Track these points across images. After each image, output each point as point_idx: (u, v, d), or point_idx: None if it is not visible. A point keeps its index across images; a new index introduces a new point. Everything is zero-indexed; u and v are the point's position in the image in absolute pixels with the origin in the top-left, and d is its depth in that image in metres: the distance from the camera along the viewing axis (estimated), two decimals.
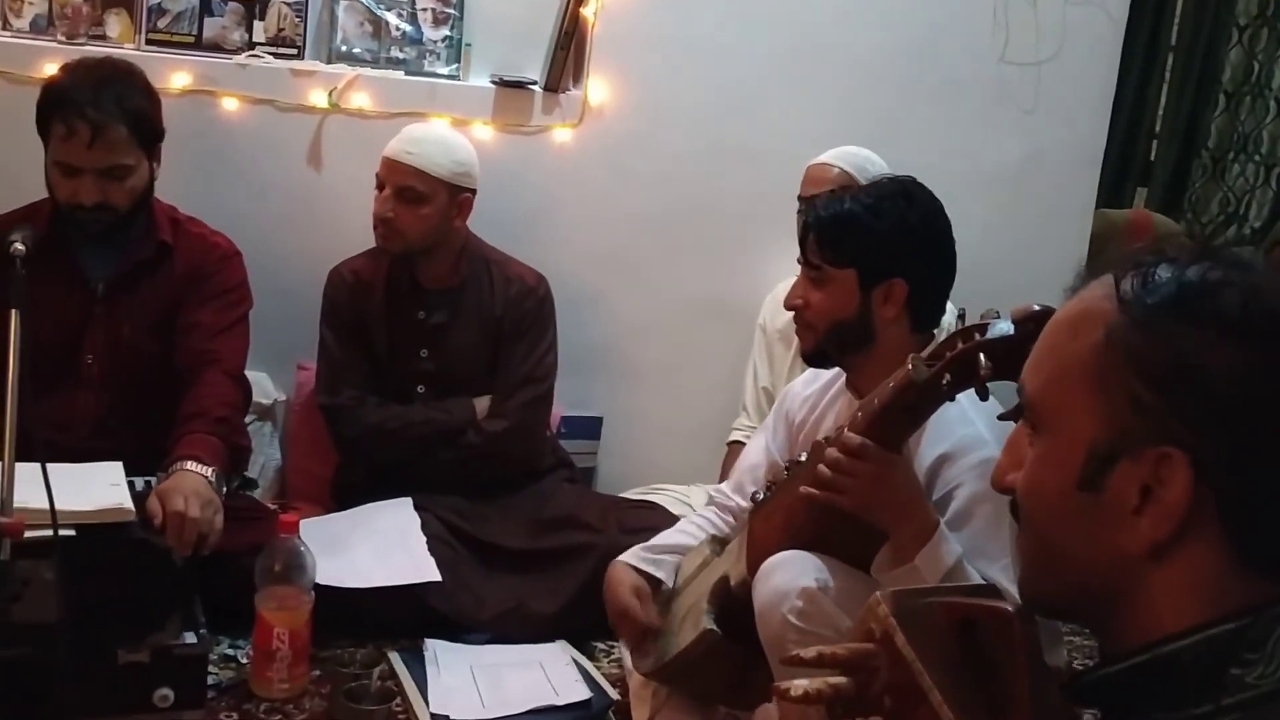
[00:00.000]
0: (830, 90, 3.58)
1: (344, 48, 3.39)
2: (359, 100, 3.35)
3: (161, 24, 3.29)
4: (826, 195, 2.24)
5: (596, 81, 3.47)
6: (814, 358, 2.16)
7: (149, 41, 3.28)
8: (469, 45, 3.45)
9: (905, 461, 1.90)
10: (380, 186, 2.95)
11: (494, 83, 3.43)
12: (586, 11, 3.42)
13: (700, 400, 3.58)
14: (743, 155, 3.55)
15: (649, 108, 3.51)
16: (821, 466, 1.87)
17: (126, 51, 3.10)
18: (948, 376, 1.72)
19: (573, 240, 3.52)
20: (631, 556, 2.30)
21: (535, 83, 3.46)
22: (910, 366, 1.76)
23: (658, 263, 3.59)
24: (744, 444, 3.08)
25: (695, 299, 3.60)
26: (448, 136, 3.07)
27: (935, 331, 2.09)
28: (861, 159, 3.04)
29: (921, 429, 1.91)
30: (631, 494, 3.25)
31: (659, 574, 2.27)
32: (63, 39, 3.21)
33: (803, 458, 2.03)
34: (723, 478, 2.97)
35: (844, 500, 1.86)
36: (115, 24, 3.27)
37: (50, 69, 2.72)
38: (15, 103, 2.95)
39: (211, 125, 3.28)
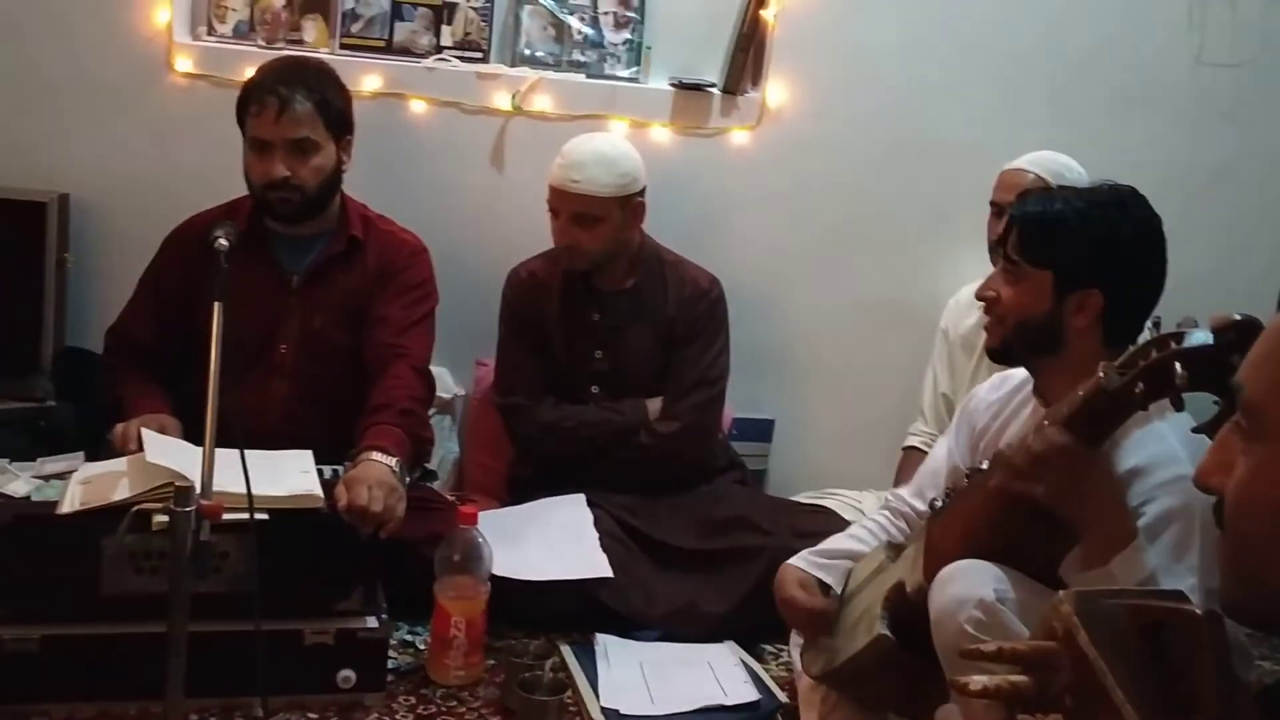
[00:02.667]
0: (1015, 92, 3.50)
1: (527, 51, 3.46)
2: (541, 103, 3.41)
3: (355, 29, 3.41)
4: (1040, 191, 2.18)
5: (775, 84, 3.46)
6: (999, 354, 2.11)
7: (343, 46, 3.40)
8: (649, 48, 3.48)
9: (1107, 459, 1.84)
10: (554, 214, 2.99)
11: (673, 85, 3.45)
12: (766, 14, 3.41)
13: (874, 405, 3.55)
14: (924, 158, 3.50)
15: (828, 110, 3.49)
16: (1017, 458, 1.82)
17: (321, 55, 3.22)
18: (1141, 385, 1.66)
19: (748, 242, 3.52)
20: (800, 560, 2.29)
21: (714, 85, 3.47)
22: (1102, 374, 1.71)
23: (834, 265, 3.56)
24: (920, 450, 3.05)
25: (871, 302, 3.56)
26: (605, 151, 3.01)
27: None
28: (1059, 165, 2.96)
29: (1113, 441, 1.85)
30: (803, 498, 3.23)
31: (828, 578, 2.25)
32: (262, 43, 3.35)
33: (984, 465, 1.98)
34: (897, 483, 2.93)
35: (1041, 492, 1.80)
36: (311, 29, 3.40)
37: (249, 72, 2.84)
38: (217, 105, 3.09)
39: (400, 127, 3.38)
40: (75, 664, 2.17)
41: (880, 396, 3.54)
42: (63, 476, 2.30)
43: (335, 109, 2.73)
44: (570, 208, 2.94)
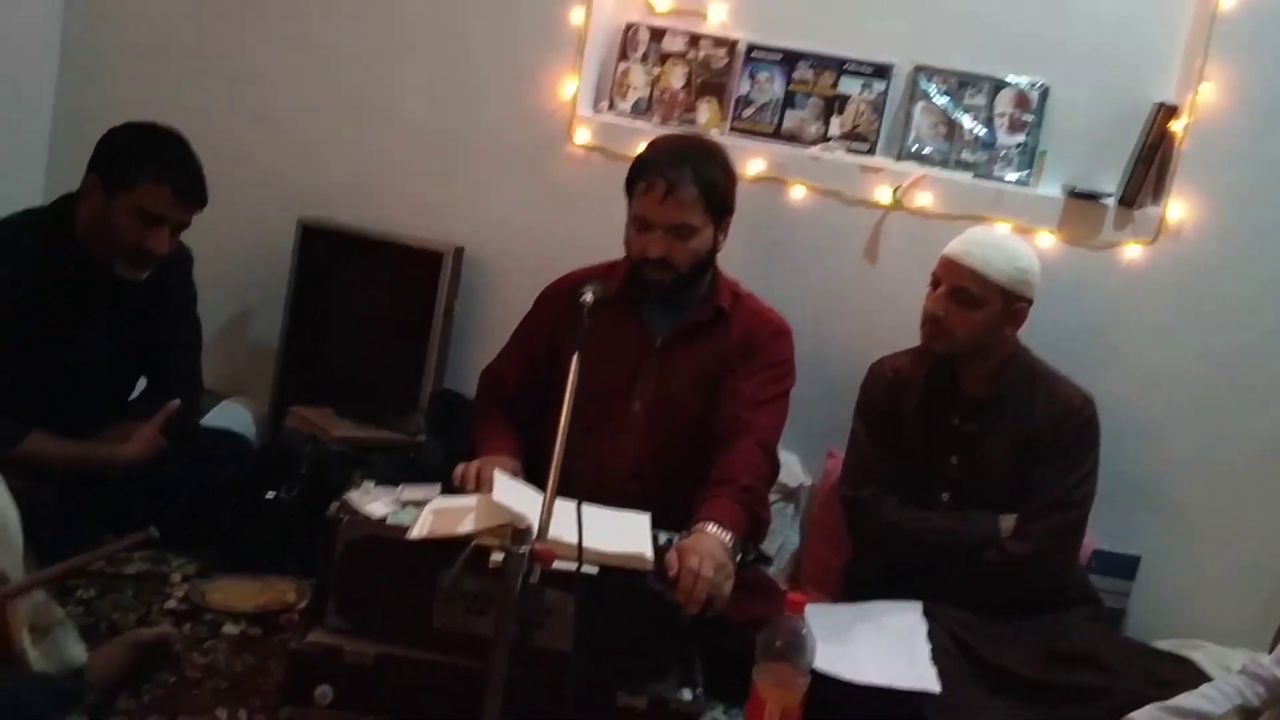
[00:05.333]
0: None
1: (915, 147, 3.42)
2: (922, 199, 3.35)
3: (746, 114, 3.48)
4: None
5: (1178, 199, 3.26)
6: None
7: (733, 129, 3.47)
8: (1044, 152, 3.36)
9: None
10: (935, 284, 2.91)
11: (1066, 193, 3.31)
12: (1175, 126, 3.22)
13: (1258, 554, 3.23)
14: None
15: (1235, 229, 3.25)
16: None
17: (711, 136, 3.29)
18: None
19: (1130, 364, 3.31)
20: (1146, 713, 2.15)
21: (1109, 196, 3.30)
22: None
23: (1226, 398, 3.29)
24: None
25: (1267, 442, 3.24)
26: (1013, 244, 2.95)
27: None
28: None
29: None
30: (1163, 645, 2.96)
31: None
32: (657, 121, 3.47)
33: None
34: (1275, 646, 2.63)
35: None
36: (705, 110, 3.50)
37: (641, 147, 2.92)
38: (607, 176, 3.21)
39: (779, 211, 3.41)
40: (403, 685, 2.25)
41: (1266, 545, 3.22)
42: (419, 504, 2.41)
43: (719, 192, 2.77)
44: (954, 279, 2.86)
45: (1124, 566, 3.31)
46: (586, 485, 2.11)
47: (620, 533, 2.38)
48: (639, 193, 2.77)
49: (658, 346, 2.85)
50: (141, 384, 3.10)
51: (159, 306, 2.97)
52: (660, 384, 2.83)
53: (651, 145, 2.86)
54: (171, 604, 2.66)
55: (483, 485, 2.52)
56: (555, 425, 2.06)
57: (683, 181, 2.71)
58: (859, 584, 3.01)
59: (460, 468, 2.62)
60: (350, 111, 3.66)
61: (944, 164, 3.40)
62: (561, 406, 2.13)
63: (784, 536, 3.37)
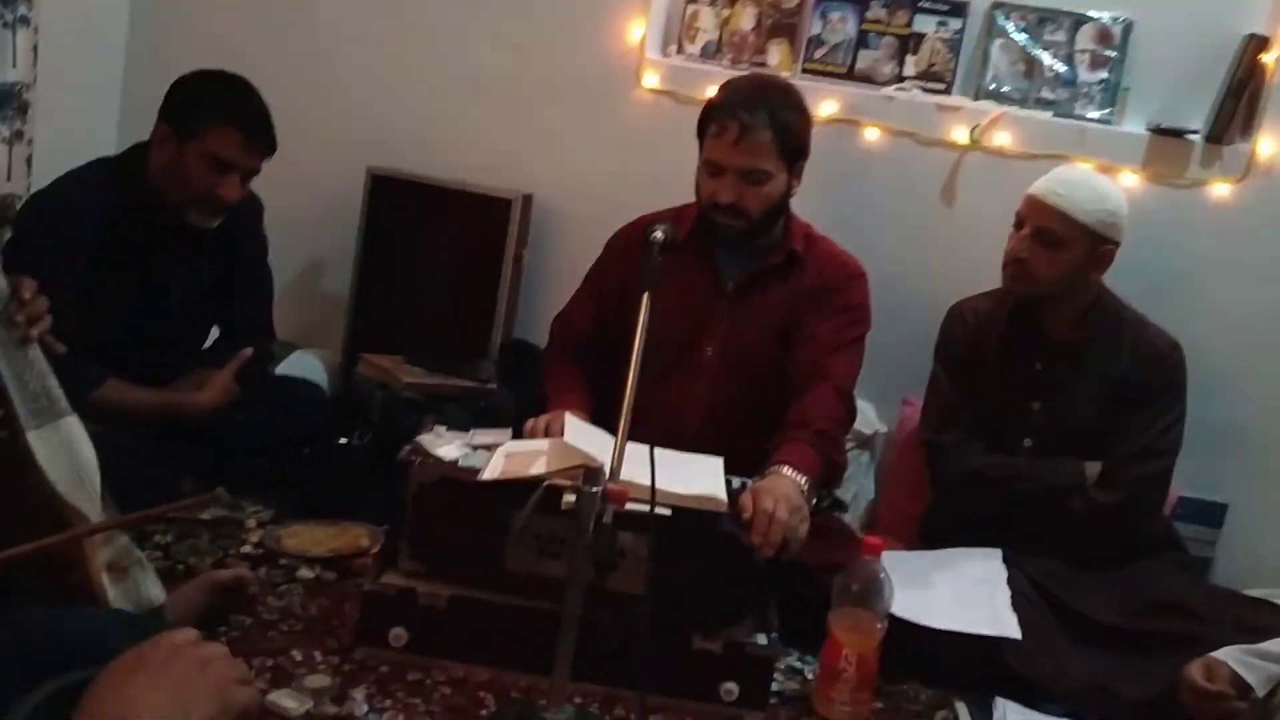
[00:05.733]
0: None
1: (993, 85, 3.33)
2: (1001, 139, 3.26)
3: (818, 54, 3.41)
4: None
5: (1268, 135, 3.15)
6: None
7: (804, 71, 3.40)
8: (1126, 89, 3.26)
9: None
10: (1019, 225, 2.83)
11: (1150, 130, 3.21)
12: (1267, 58, 3.10)
13: None
14: None
15: None
16: None
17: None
18: None
19: (1218, 308, 3.21)
20: (1226, 654, 2.12)
21: (1196, 132, 3.19)
22: None
23: None
24: None
25: None
26: (1100, 183, 2.86)
27: None
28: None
29: None
30: (1253, 593, 2.87)
31: (1249, 677, 2.07)
32: (727, 64, 3.41)
33: None
34: None
35: None
36: (776, 52, 3.43)
37: (711, 90, 2.87)
38: (677, 120, 3.18)
39: (852, 153, 3.35)
40: (476, 628, 2.24)
41: None
42: (490, 448, 2.40)
43: (793, 135, 2.70)
44: (1039, 219, 2.78)
45: (1211, 514, 3.23)
46: (658, 433, 2.07)
47: (694, 475, 2.35)
48: (710, 135, 2.71)
49: (729, 292, 2.80)
50: (215, 334, 3.12)
51: (231, 255, 2.98)
52: (732, 330, 2.79)
53: (724, 87, 2.79)
54: (247, 549, 2.67)
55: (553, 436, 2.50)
56: (626, 372, 2.03)
57: (756, 125, 2.64)
58: (937, 532, 2.96)
59: (530, 422, 2.61)
60: (418, 60, 3.64)
61: (1023, 102, 3.31)
62: (632, 352, 2.11)
63: (859, 485, 3.32)
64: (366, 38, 3.66)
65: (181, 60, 2.88)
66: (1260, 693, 2.02)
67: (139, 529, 2.49)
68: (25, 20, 3.19)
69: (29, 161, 3.25)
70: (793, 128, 2.70)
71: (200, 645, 1.02)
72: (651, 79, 3.44)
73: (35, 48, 3.24)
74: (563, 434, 2.45)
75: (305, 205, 3.63)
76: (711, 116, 2.71)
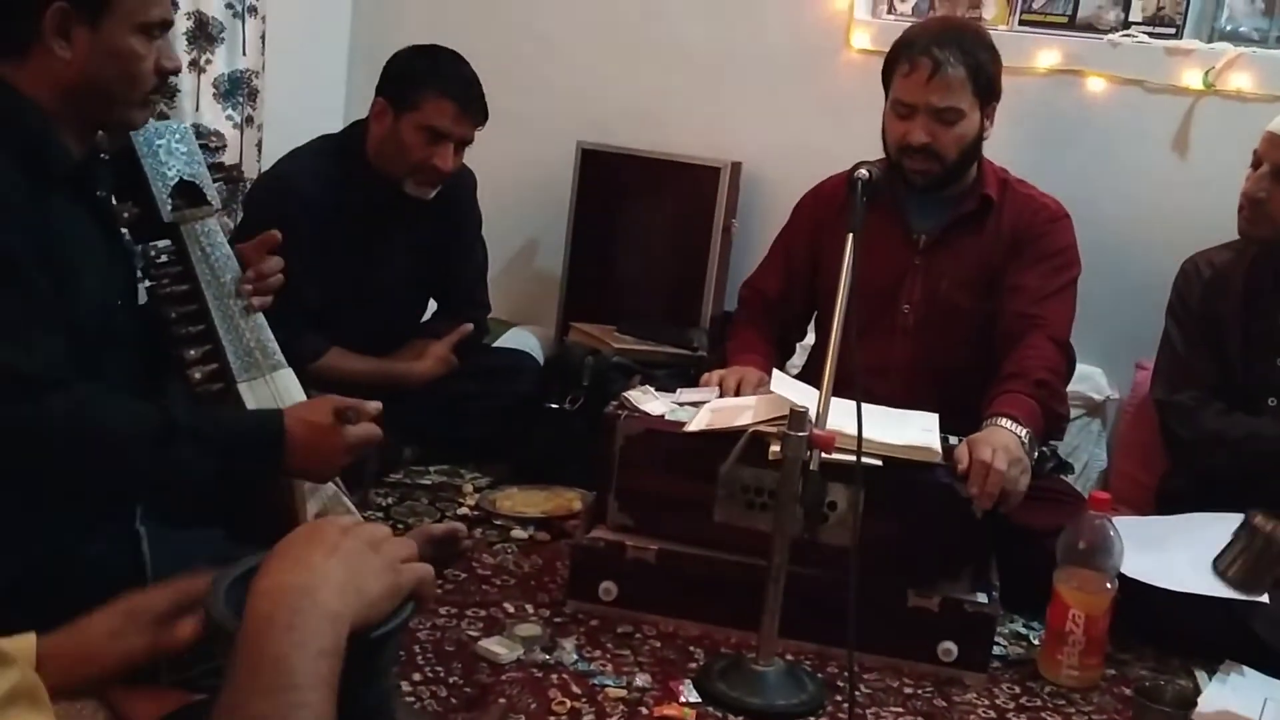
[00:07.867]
0: None
1: (1229, 26, 3.13)
2: (1239, 81, 3.06)
3: (1036, 5, 3.28)
4: None
5: None
6: None
7: (1022, 21, 3.27)
8: None
9: None
10: (1256, 164, 2.63)
11: None
12: None
13: None
14: None
15: None
16: None
17: (999, 31, 3.11)
18: None
19: None
20: None
21: None
22: None
23: None
24: None
25: None
26: None
27: None
28: None
29: None
30: None
31: None
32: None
33: None
34: None
35: None
36: (991, 5, 3.31)
37: None
38: None
39: (1074, 104, 3.20)
40: (685, 582, 2.22)
41: None
42: (696, 405, 2.38)
43: (986, 74, 2.59)
44: (1278, 157, 2.58)
45: None
46: (861, 392, 2.00)
47: (906, 427, 2.27)
48: (899, 75, 2.60)
49: (922, 247, 2.69)
50: (433, 307, 3.20)
51: (448, 228, 3.04)
52: (928, 285, 2.68)
53: (910, 29, 2.70)
54: (464, 510, 2.73)
55: (741, 388, 2.47)
56: (822, 336, 1.98)
57: (949, 61, 2.54)
58: (1175, 499, 2.77)
59: (705, 375, 2.58)
60: (626, 36, 3.66)
61: (1263, 43, 3.09)
62: (832, 314, 2.06)
63: (1089, 454, 3.16)
64: (578, 15, 3.70)
65: (402, 42, 2.95)
66: None
67: (363, 495, 2.57)
68: (253, 10, 3.35)
69: (259, 146, 3.40)
70: (985, 66, 2.58)
71: (368, 525, 1.03)
72: (861, 39, 3.36)
73: (263, 36, 3.39)
74: (748, 389, 2.43)
75: (518, 184, 3.69)
76: (900, 55, 2.61)
